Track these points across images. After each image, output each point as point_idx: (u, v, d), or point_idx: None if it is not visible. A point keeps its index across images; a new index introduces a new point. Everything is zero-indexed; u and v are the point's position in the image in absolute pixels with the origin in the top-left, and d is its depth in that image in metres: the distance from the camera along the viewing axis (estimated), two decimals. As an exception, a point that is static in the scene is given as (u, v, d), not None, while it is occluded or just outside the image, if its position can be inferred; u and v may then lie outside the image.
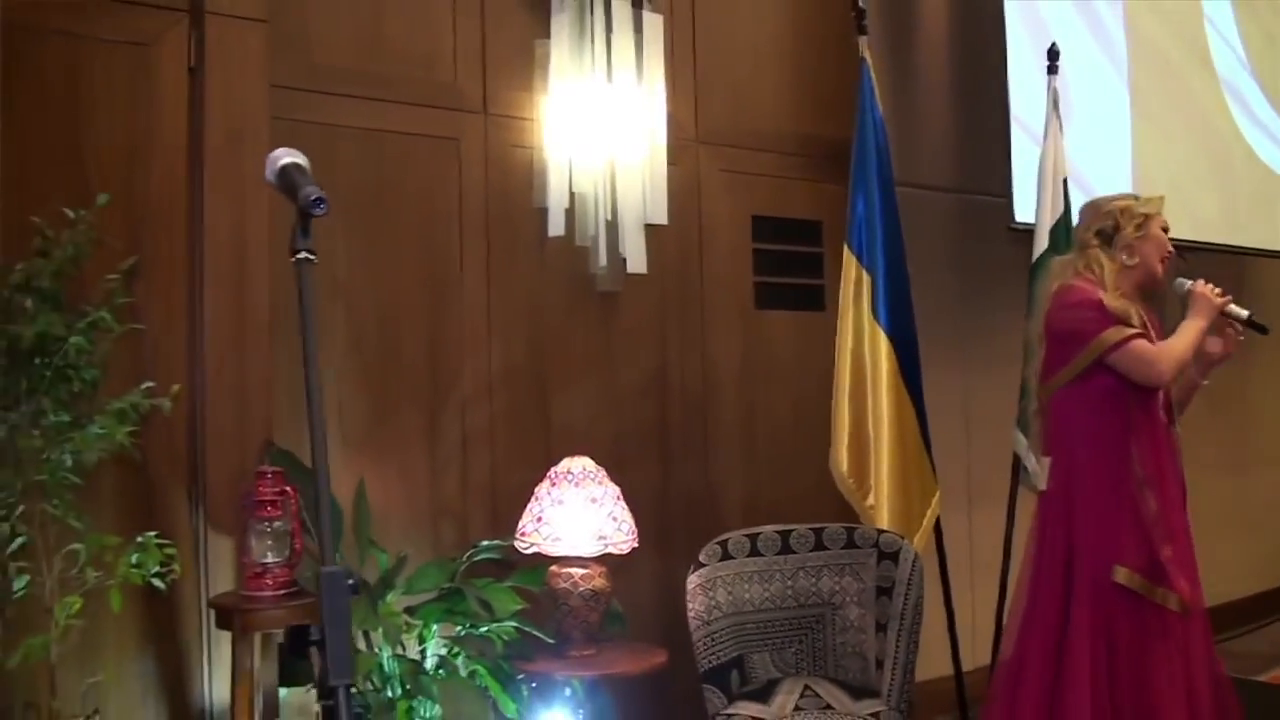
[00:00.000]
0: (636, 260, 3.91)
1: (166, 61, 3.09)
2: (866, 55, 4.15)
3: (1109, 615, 2.81)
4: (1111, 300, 2.88)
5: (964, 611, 4.60)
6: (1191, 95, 5.74)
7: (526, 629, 3.29)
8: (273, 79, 3.25)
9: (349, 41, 3.55)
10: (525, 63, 3.88)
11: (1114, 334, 2.82)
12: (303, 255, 1.57)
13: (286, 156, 1.65)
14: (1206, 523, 6.44)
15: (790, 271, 4.52)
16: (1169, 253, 3.07)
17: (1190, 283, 3.07)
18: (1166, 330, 3.05)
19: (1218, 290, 2.98)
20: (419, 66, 3.70)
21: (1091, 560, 2.83)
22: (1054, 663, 2.84)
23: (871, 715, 3.19)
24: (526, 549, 3.29)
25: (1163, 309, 3.24)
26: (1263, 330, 3.02)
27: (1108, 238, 3.02)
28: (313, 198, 1.55)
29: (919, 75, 5.12)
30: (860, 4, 4.18)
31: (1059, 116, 4.29)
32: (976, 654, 4.49)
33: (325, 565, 1.49)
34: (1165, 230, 3.06)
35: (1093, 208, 3.12)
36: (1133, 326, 2.86)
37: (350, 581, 1.48)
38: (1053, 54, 4.36)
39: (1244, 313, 3.04)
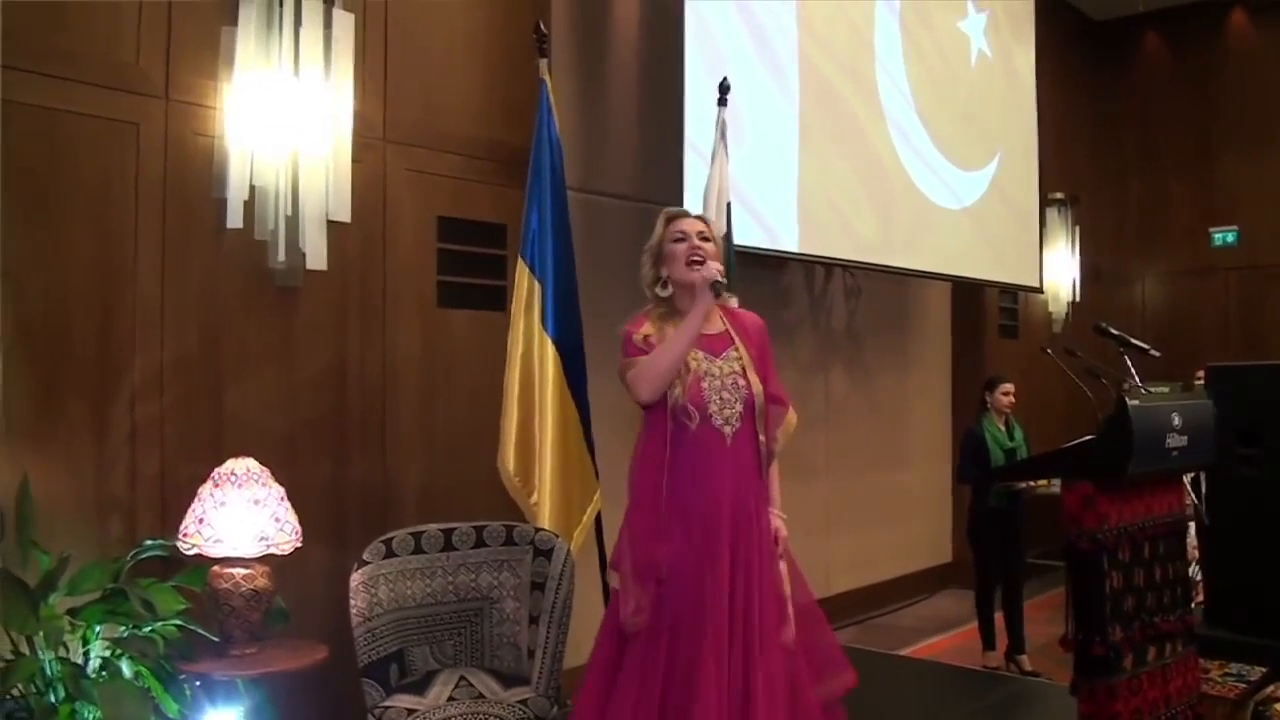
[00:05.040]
0: (317, 256, 3.94)
1: None
2: (546, 77, 4.35)
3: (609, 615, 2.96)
4: (646, 329, 2.97)
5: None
6: (858, 128, 6.25)
7: (190, 628, 3.30)
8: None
9: (27, 13, 3.39)
10: (211, 49, 3.83)
11: (623, 368, 2.92)
12: None
13: None
14: (867, 513, 7.17)
15: (473, 272, 4.66)
16: (691, 252, 3.00)
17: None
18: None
19: (712, 268, 2.95)
20: (100, 45, 3.58)
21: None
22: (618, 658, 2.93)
23: (520, 702, 3.40)
24: (188, 550, 3.29)
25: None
26: (717, 294, 2.93)
27: (654, 286, 3.06)
28: None
29: (608, 92, 5.39)
30: (542, 28, 4.37)
31: (726, 145, 4.61)
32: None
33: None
34: (678, 239, 3.02)
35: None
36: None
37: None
38: (723, 88, 4.67)
39: (715, 277, 2.94)
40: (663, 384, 2.88)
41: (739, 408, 2.94)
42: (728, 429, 2.92)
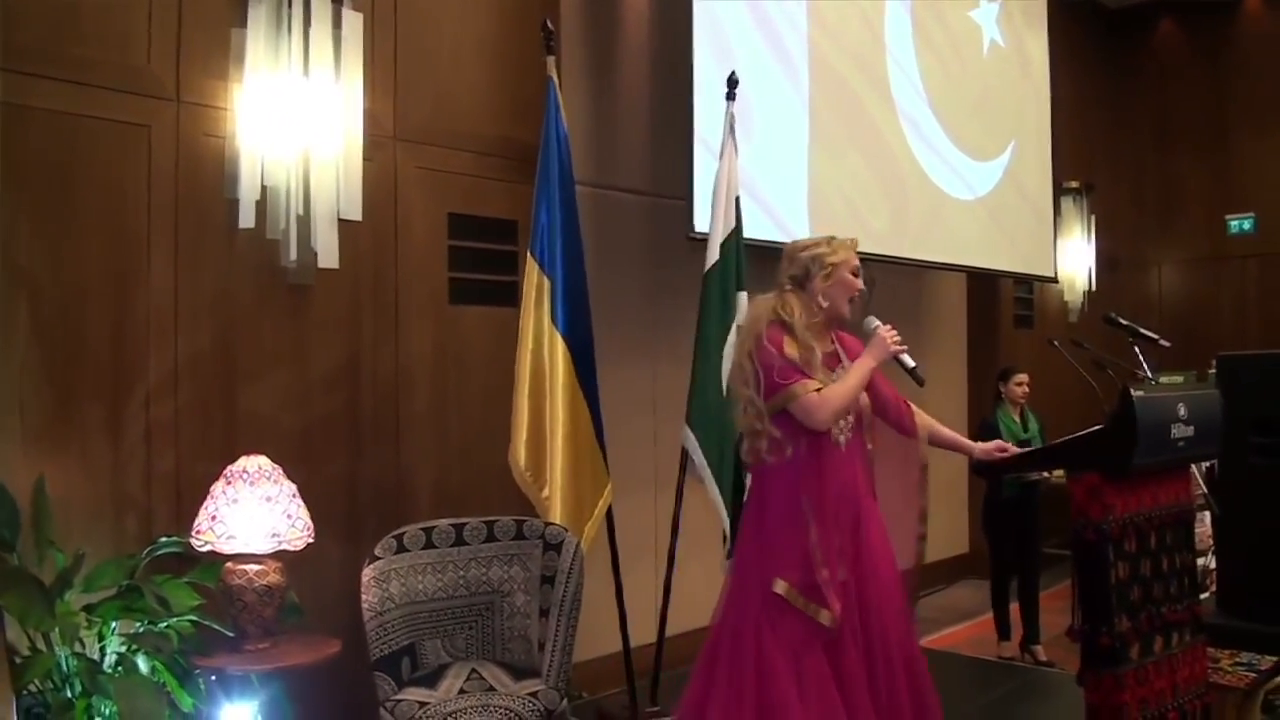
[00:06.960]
0: (328, 254, 3.97)
1: None
2: (553, 74, 4.37)
3: (772, 618, 3.05)
4: (790, 348, 3.12)
5: (645, 590, 4.94)
6: (869, 120, 6.23)
7: (205, 623, 3.34)
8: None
9: (40, 19, 3.44)
10: (221, 50, 3.86)
11: (792, 393, 3.06)
12: None
13: None
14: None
15: (485, 268, 4.68)
16: (857, 292, 3.27)
17: (876, 324, 3.29)
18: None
19: (896, 338, 3.25)
20: (112, 49, 3.62)
21: (765, 571, 3.09)
22: (751, 666, 3.05)
23: (530, 695, 3.44)
24: (202, 547, 3.33)
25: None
26: (920, 382, 3.36)
27: (800, 283, 3.23)
28: None
29: (618, 87, 5.41)
30: (549, 25, 4.39)
31: (734, 140, 4.61)
32: (653, 629, 4.73)
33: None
34: (855, 273, 3.26)
35: (790, 252, 3.30)
36: (809, 373, 3.11)
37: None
38: (731, 82, 4.66)
39: (911, 363, 3.33)
40: (841, 415, 3.14)
41: (851, 419, 3.20)
42: (841, 438, 3.17)
